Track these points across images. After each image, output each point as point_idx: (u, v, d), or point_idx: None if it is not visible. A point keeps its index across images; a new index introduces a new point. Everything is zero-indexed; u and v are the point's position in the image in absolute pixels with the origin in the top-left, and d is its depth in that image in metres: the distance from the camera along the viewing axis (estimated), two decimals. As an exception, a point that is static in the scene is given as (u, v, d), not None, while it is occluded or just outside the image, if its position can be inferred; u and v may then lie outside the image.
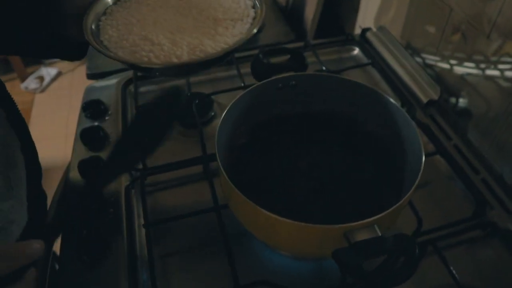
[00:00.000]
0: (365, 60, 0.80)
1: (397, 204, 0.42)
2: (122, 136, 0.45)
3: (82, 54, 0.56)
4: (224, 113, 0.51)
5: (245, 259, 0.53)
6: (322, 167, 0.56)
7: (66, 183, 0.61)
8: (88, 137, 0.66)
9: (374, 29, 0.83)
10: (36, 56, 0.55)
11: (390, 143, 0.56)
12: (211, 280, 0.52)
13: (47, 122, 1.93)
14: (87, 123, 0.69)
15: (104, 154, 0.65)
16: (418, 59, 0.75)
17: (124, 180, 0.61)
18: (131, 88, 0.76)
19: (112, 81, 0.77)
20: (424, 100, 0.69)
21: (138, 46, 0.49)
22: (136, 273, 0.52)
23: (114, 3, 0.54)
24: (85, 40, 0.52)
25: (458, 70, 0.67)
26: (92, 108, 0.70)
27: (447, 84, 0.69)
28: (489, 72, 0.60)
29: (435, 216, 0.57)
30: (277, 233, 0.45)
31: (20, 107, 0.54)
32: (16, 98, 0.54)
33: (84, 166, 0.61)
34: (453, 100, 0.69)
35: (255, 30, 0.51)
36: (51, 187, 0.65)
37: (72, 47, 0.54)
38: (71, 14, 0.50)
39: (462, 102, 0.68)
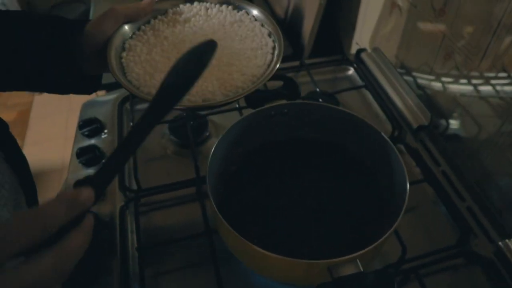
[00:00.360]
0: (359, 81, 0.81)
1: (378, 241, 0.44)
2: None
3: (96, 86, 0.55)
4: (216, 143, 0.53)
5: (234, 280, 0.54)
6: (312, 195, 0.57)
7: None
8: (84, 155, 0.68)
9: (369, 50, 0.84)
10: (50, 92, 0.53)
11: (379, 172, 0.58)
12: None
13: (47, 123, 1.94)
14: (84, 141, 0.71)
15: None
16: (411, 80, 0.76)
17: (118, 201, 0.62)
18: (128, 105, 0.77)
19: (109, 97, 0.79)
20: (414, 125, 0.70)
21: None
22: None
23: (131, 37, 0.52)
24: (99, 74, 0.54)
25: (450, 92, 0.68)
26: (88, 126, 0.71)
27: (439, 107, 0.71)
28: (480, 94, 0.62)
29: (420, 241, 0.59)
30: (264, 264, 0.47)
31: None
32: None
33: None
34: (443, 124, 0.71)
35: (277, 65, 0.50)
36: (49, 188, 0.66)
37: (87, 81, 0.53)
38: (91, 52, 0.49)
39: (452, 125, 0.69)
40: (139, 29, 0.53)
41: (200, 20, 0.54)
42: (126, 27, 0.51)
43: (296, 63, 0.82)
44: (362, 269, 0.43)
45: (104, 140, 0.71)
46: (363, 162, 0.59)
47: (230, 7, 0.56)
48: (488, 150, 0.63)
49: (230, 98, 0.46)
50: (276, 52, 0.52)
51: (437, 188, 0.63)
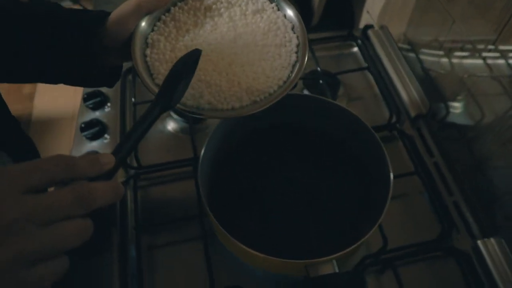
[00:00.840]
0: (363, 61, 0.80)
1: (354, 246, 0.47)
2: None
3: (116, 78, 0.55)
4: (208, 138, 0.54)
5: (223, 263, 0.58)
6: (301, 185, 0.60)
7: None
8: (87, 129, 0.70)
9: (377, 27, 0.81)
10: (72, 84, 0.53)
11: (369, 165, 0.59)
12: (191, 274, 0.58)
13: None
14: (88, 114, 0.73)
15: (101, 145, 0.69)
16: (416, 61, 0.75)
17: (119, 176, 0.66)
18: (130, 77, 0.78)
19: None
20: (413, 113, 0.70)
21: (195, 89, 0.46)
22: (127, 264, 0.59)
23: (152, 30, 0.49)
24: (119, 65, 0.53)
25: (457, 72, 0.67)
26: (92, 99, 0.73)
27: (441, 90, 0.70)
28: (492, 72, 0.60)
29: (404, 230, 0.61)
30: (248, 257, 0.50)
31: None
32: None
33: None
34: (442, 111, 0.70)
35: (303, 67, 0.47)
36: (61, 136, 0.67)
37: (107, 74, 0.52)
38: (112, 47, 0.48)
39: (453, 111, 0.69)
40: (159, 19, 0.50)
41: (221, 8, 0.51)
42: (147, 18, 0.49)
43: (301, 37, 0.81)
44: (337, 270, 0.47)
45: (108, 113, 0.73)
46: (355, 154, 0.61)
47: None
48: (486, 139, 0.63)
49: (260, 106, 0.45)
50: (300, 52, 0.49)
51: (427, 180, 0.64)
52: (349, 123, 0.59)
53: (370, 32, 0.81)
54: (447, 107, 0.71)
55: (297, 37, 0.49)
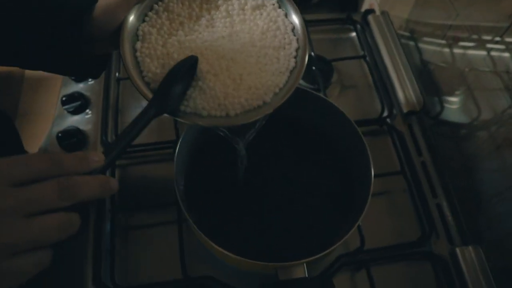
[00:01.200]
0: (363, 44, 0.76)
1: (326, 251, 0.46)
2: None
3: (103, 68, 0.51)
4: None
5: (196, 251, 0.57)
6: (281, 181, 0.58)
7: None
8: (69, 102, 0.68)
9: (378, 12, 0.77)
10: (53, 72, 0.49)
11: (351, 162, 0.58)
12: (164, 258, 0.57)
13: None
14: (70, 86, 0.70)
15: (82, 120, 0.67)
16: (415, 51, 0.72)
17: (99, 155, 0.64)
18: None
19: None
20: (405, 109, 0.67)
21: (188, 93, 0.43)
22: (100, 243, 0.57)
23: (143, 20, 0.46)
24: (107, 53, 0.49)
25: (459, 65, 0.64)
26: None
27: (439, 84, 0.67)
28: (496, 67, 0.57)
29: (384, 230, 0.60)
30: (221, 255, 0.49)
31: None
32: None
33: (63, 136, 0.64)
34: (437, 107, 0.68)
35: (301, 74, 0.44)
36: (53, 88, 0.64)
37: (93, 63, 0.49)
38: (99, 37, 0.44)
39: (448, 108, 0.67)
40: (151, 8, 0.46)
41: (218, 0, 0.48)
42: (137, 6, 0.45)
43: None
44: (307, 274, 0.46)
45: (91, 87, 0.70)
46: (338, 149, 0.59)
47: None
48: (479, 138, 0.61)
49: (254, 115, 0.43)
50: (299, 57, 0.45)
51: (412, 180, 0.63)
52: (334, 116, 0.57)
53: (370, 17, 0.77)
54: (442, 103, 0.68)
55: (297, 40, 0.46)
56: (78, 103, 0.68)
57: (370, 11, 0.78)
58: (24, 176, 0.30)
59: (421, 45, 0.74)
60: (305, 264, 0.46)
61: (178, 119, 0.43)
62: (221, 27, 0.47)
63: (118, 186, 0.36)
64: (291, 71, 0.45)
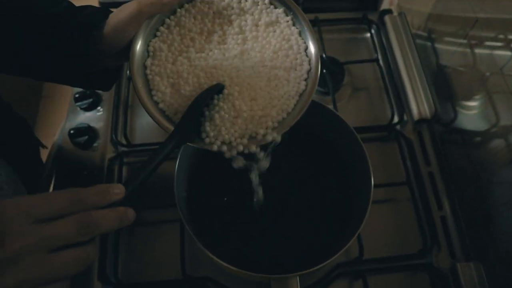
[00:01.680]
0: (377, 46, 0.74)
1: (318, 266, 0.46)
2: None
3: (114, 80, 0.52)
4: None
5: (197, 251, 0.58)
6: (281, 190, 0.58)
7: (58, 150, 0.67)
8: (82, 99, 0.69)
9: (395, 12, 0.75)
10: (64, 83, 0.51)
11: (353, 171, 0.57)
12: (165, 256, 0.58)
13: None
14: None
15: (94, 117, 0.69)
16: (432, 53, 0.69)
17: (108, 152, 0.66)
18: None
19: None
20: (416, 117, 0.66)
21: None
22: (107, 240, 0.59)
23: (154, 35, 0.45)
24: (118, 66, 0.50)
25: (479, 69, 0.61)
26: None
27: (455, 89, 0.65)
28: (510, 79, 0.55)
29: (385, 239, 0.60)
30: (221, 265, 0.50)
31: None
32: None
33: (75, 133, 0.66)
34: (451, 114, 0.66)
35: (310, 99, 0.43)
36: None
37: (104, 75, 0.50)
38: (109, 52, 0.45)
39: (462, 116, 0.65)
40: (163, 22, 0.46)
41: (232, 15, 0.47)
42: (148, 21, 0.44)
43: (311, 16, 0.75)
44: (299, 287, 0.47)
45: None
46: (342, 157, 0.59)
47: (266, 1, 0.47)
48: (493, 149, 0.59)
49: (258, 141, 0.43)
50: (309, 80, 0.44)
51: (418, 190, 0.62)
52: (335, 124, 0.56)
53: (387, 18, 0.74)
54: (456, 110, 0.66)
55: (309, 61, 0.45)
56: (90, 100, 0.69)
57: (387, 11, 0.75)
58: (46, 215, 0.31)
59: (439, 45, 0.71)
60: (298, 277, 0.47)
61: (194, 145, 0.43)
62: (232, 44, 0.46)
63: (135, 216, 0.36)
64: (301, 95, 0.44)
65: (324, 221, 0.57)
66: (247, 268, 0.46)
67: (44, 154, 0.70)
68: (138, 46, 0.44)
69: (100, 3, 0.89)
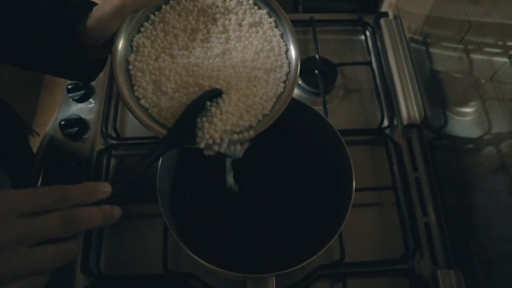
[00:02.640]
0: (371, 49, 0.74)
1: (296, 267, 0.46)
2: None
3: (98, 71, 0.52)
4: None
5: (180, 248, 0.59)
6: (265, 187, 0.59)
7: (50, 140, 0.67)
8: (74, 90, 0.70)
9: (391, 16, 0.74)
10: (50, 74, 0.51)
11: (341, 174, 0.57)
12: (148, 248, 0.58)
13: None
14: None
15: (85, 109, 0.69)
16: (426, 57, 0.69)
17: (97, 144, 0.66)
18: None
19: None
20: (406, 122, 0.66)
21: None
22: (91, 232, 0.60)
23: (138, 30, 0.45)
24: (100, 59, 0.50)
25: (474, 74, 0.61)
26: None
27: (447, 95, 0.65)
28: (506, 86, 0.55)
29: (368, 242, 0.60)
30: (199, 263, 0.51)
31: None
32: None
33: (66, 124, 0.67)
34: (441, 120, 0.66)
35: (288, 101, 0.44)
36: None
37: (88, 67, 0.49)
38: (92, 45, 0.45)
39: (453, 122, 0.64)
40: (147, 17, 0.46)
41: (216, 13, 0.47)
42: (132, 16, 0.44)
43: (307, 16, 0.75)
44: (275, 287, 0.47)
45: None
46: (328, 159, 0.59)
47: (251, 1, 0.47)
48: (483, 157, 0.59)
49: (237, 141, 0.43)
50: (288, 81, 0.44)
51: (404, 195, 0.62)
52: (322, 127, 0.56)
53: (382, 21, 0.74)
54: (447, 116, 0.66)
55: (289, 64, 0.45)
56: (83, 91, 0.70)
57: (383, 14, 0.75)
58: (30, 209, 0.31)
59: (434, 50, 0.70)
60: (274, 278, 0.47)
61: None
62: (215, 43, 0.46)
63: (120, 214, 0.37)
64: (279, 97, 0.45)
65: (307, 222, 0.57)
66: (224, 266, 0.47)
67: (36, 143, 0.70)
68: (121, 41, 0.44)
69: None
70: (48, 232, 0.31)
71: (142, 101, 0.44)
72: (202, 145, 0.43)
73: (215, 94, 0.43)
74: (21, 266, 0.31)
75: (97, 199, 0.35)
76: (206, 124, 0.42)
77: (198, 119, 0.43)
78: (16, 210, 0.31)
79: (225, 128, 0.43)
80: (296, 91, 0.70)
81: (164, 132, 0.43)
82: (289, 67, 0.45)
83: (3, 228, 0.30)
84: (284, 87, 0.44)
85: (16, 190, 0.32)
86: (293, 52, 0.45)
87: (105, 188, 0.35)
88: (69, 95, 0.70)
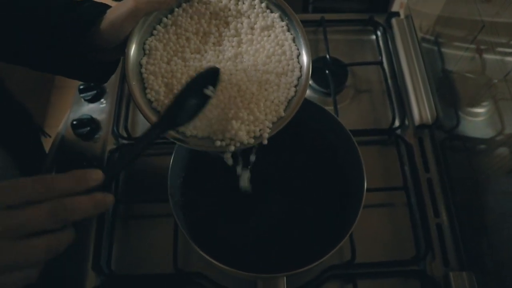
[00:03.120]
0: (382, 49, 0.74)
1: (306, 267, 0.46)
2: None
3: (109, 74, 0.52)
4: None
5: (190, 245, 0.59)
6: (276, 188, 0.58)
7: (61, 140, 0.68)
8: (86, 91, 0.70)
9: (403, 16, 0.74)
10: (63, 75, 0.51)
11: (351, 174, 0.57)
12: (158, 248, 0.59)
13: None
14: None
15: (97, 109, 0.70)
16: (437, 57, 0.68)
17: (109, 145, 0.67)
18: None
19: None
20: (417, 122, 0.65)
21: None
22: (102, 231, 0.60)
23: (151, 33, 0.46)
24: (113, 61, 0.50)
25: (487, 74, 0.60)
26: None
27: (459, 95, 0.64)
28: (510, 93, 0.54)
29: (379, 243, 0.60)
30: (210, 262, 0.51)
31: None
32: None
33: (77, 124, 0.67)
34: (453, 120, 0.65)
35: (298, 106, 0.43)
36: None
37: (100, 68, 0.50)
38: (106, 47, 0.45)
39: (465, 123, 0.64)
40: (160, 20, 0.46)
41: (228, 16, 0.47)
42: (145, 18, 0.44)
43: (318, 16, 0.75)
44: (285, 287, 0.47)
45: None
46: (339, 159, 0.58)
47: (263, 4, 0.47)
48: (496, 158, 0.58)
49: (244, 145, 0.43)
50: (299, 85, 0.44)
51: (415, 196, 0.61)
52: (333, 127, 0.56)
53: (394, 21, 0.74)
54: (459, 116, 0.65)
55: (300, 68, 0.45)
56: (94, 92, 0.70)
57: (394, 14, 0.75)
58: (17, 201, 0.30)
59: (445, 50, 0.70)
60: (285, 278, 0.47)
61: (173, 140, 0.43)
62: (227, 46, 0.46)
63: (113, 201, 0.36)
64: (290, 101, 0.45)
65: (318, 222, 0.57)
66: (235, 266, 0.47)
67: (48, 144, 0.71)
68: (134, 44, 0.44)
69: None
70: (36, 223, 0.30)
71: (154, 104, 0.44)
72: (232, 148, 0.42)
73: (211, 74, 0.42)
74: (10, 259, 0.30)
75: (88, 187, 0.33)
76: (236, 126, 0.42)
77: (233, 121, 0.43)
78: (2, 201, 0.30)
79: (227, 132, 0.43)
80: (307, 91, 0.70)
81: (176, 135, 0.43)
82: (300, 71, 0.45)
83: None
84: (295, 92, 0.44)
85: (2, 182, 0.31)
86: (304, 57, 0.44)
87: (96, 176, 0.34)
88: (81, 95, 0.70)
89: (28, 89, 1.37)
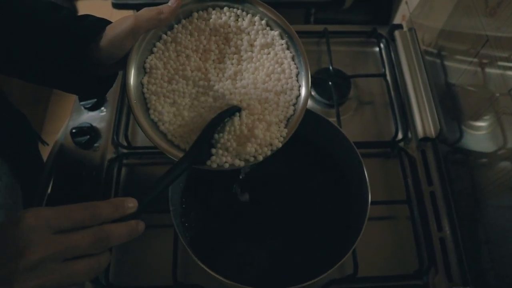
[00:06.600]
0: (385, 61, 0.74)
1: (308, 282, 0.45)
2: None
3: (109, 86, 0.52)
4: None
5: (190, 260, 0.58)
6: (280, 203, 0.58)
7: (60, 149, 0.67)
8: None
9: (406, 29, 0.74)
10: (60, 89, 0.51)
11: (353, 186, 0.56)
12: (157, 259, 0.58)
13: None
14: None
15: (97, 117, 0.69)
16: (440, 69, 0.68)
17: (109, 154, 0.66)
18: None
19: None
20: (420, 135, 0.65)
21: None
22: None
23: (151, 51, 0.45)
24: (112, 74, 0.50)
25: (490, 88, 0.60)
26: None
27: (463, 110, 0.64)
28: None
29: (382, 256, 0.59)
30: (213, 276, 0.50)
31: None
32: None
33: (77, 132, 0.66)
34: (456, 134, 0.65)
35: (297, 125, 0.44)
36: None
37: (99, 82, 0.49)
38: (105, 63, 0.45)
39: (468, 136, 0.63)
40: (160, 37, 0.46)
41: (228, 33, 0.47)
42: (144, 36, 0.44)
43: (320, 27, 0.75)
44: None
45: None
46: (342, 172, 0.58)
47: (263, 22, 0.46)
48: (498, 173, 0.58)
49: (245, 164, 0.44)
50: (298, 105, 0.44)
51: (418, 210, 0.61)
52: (338, 140, 0.55)
53: (397, 33, 0.74)
54: (462, 130, 0.65)
55: (299, 87, 0.45)
56: (95, 100, 0.70)
57: (397, 26, 0.75)
58: (65, 226, 0.34)
59: (448, 63, 0.70)
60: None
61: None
62: (228, 64, 0.47)
63: (144, 228, 0.39)
64: (288, 119, 0.45)
65: (321, 236, 0.56)
66: (236, 279, 0.46)
67: (46, 152, 0.70)
68: (134, 63, 0.44)
69: (113, 3, 0.90)
70: (81, 248, 0.34)
71: (160, 124, 0.44)
72: (214, 165, 0.43)
73: (233, 111, 0.44)
74: (57, 280, 0.33)
75: (125, 214, 0.37)
76: (220, 151, 0.43)
77: (214, 140, 0.44)
78: (52, 227, 0.33)
79: (235, 151, 0.43)
80: (310, 102, 0.70)
81: (179, 154, 0.43)
82: (299, 90, 0.45)
83: (40, 245, 0.32)
84: (294, 110, 0.44)
85: (50, 208, 0.34)
86: (304, 76, 0.45)
87: (132, 204, 0.38)
88: (81, 103, 0.69)
89: (26, 96, 1.36)
